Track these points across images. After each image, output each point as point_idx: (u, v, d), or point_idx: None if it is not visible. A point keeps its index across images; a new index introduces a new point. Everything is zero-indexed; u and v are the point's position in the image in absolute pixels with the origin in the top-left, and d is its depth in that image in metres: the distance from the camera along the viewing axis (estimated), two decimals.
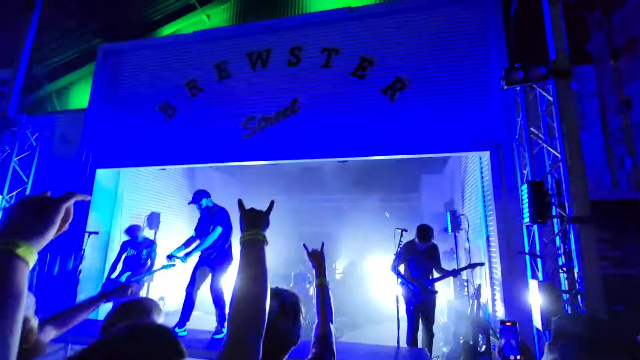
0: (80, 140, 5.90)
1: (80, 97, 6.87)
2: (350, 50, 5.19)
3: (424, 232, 4.05)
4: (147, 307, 1.25)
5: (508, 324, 2.99)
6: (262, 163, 5.38)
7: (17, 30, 5.45)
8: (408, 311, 4.14)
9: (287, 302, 1.14)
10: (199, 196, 4.31)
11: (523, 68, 3.21)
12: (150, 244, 5.13)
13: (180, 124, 5.64)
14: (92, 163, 5.82)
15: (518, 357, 2.84)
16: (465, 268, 4.22)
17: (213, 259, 4.11)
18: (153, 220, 6.22)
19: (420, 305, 4.09)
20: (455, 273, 4.12)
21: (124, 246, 5.09)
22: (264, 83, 5.44)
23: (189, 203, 4.34)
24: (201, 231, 4.22)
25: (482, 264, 4.30)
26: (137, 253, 5.05)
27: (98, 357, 0.62)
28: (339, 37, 5.29)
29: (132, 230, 5.12)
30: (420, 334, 4.16)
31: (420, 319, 4.11)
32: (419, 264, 4.15)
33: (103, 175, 5.90)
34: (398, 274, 4.11)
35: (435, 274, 4.20)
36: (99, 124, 5.96)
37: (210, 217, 4.21)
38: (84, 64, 6.75)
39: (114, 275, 4.90)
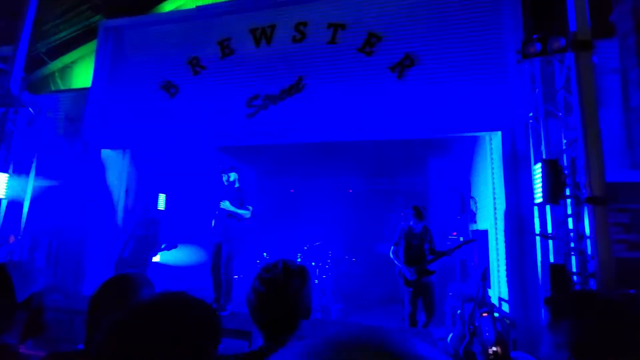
0: (84, 120, 5.85)
1: (83, 75, 6.78)
2: (357, 26, 4.98)
3: (419, 211, 4.22)
4: (138, 282, 1.19)
5: (484, 315, 3.03)
6: (267, 142, 5.30)
7: (18, 6, 5.33)
8: (406, 292, 4.26)
9: (292, 266, 1.14)
10: (232, 169, 4.46)
11: (541, 40, 3.01)
12: (157, 223, 5.25)
13: (183, 104, 5.54)
14: (97, 143, 5.78)
15: (495, 348, 2.81)
16: (458, 247, 4.25)
17: (234, 236, 4.21)
18: (156, 202, 6.26)
19: (417, 287, 4.18)
20: (449, 252, 4.19)
21: (132, 226, 5.20)
22: (268, 60, 5.27)
23: (221, 171, 4.45)
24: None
25: (474, 240, 4.37)
26: (146, 233, 5.17)
27: (136, 325, 0.60)
28: (345, 12, 5.07)
29: (139, 211, 5.26)
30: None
31: (418, 300, 4.23)
32: (416, 246, 4.28)
33: (108, 156, 5.87)
34: (395, 259, 4.31)
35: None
36: (103, 103, 5.89)
37: (240, 195, 4.31)
38: (86, 42, 6.63)
39: (124, 255, 5.05)
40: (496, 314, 3.82)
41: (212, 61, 5.52)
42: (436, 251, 4.27)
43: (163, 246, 5.11)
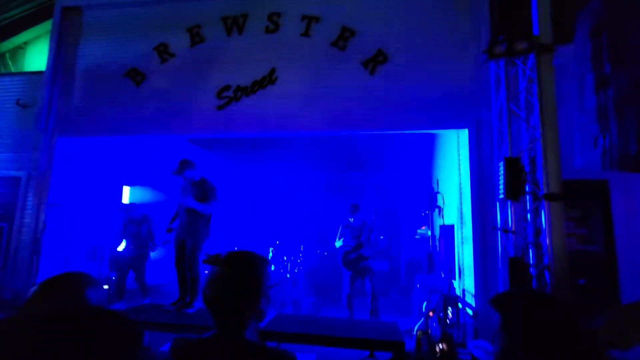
0: (40, 106, 5.43)
1: (37, 58, 6.28)
2: (331, 20, 4.94)
3: (354, 207, 5.27)
4: (81, 282, 1.08)
5: (430, 314, 3.42)
6: (237, 134, 5.18)
7: None
8: (346, 275, 5.23)
9: (241, 253, 1.16)
10: (185, 166, 4.12)
11: (506, 41, 3.13)
12: (149, 220, 5.47)
13: (150, 92, 5.28)
14: (53, 131, 5.39)
15: (441, 345, 3.04)
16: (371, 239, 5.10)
17: (197, 231, 4.04)
18: (120, 194, 6.03)
19: (356, 270, 5.06)
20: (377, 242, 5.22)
21: (124, 222, 5.42)
22: (240, 50, 5.13)
23: (173, 172, 4.15)
24: (184, 200, 4.10)
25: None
26: (138, 229, 5.37)
27: None
28: (320, 5, 5.02)
29: (130, 209, 5.52)
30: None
31: (356, 282, 5.09)
32: (356, 237, 5.18)
33: (66, 145, 5.50)
34: (340, 247, 5.24)
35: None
36: (60, 89, 5.49)
37: (202, 189, 4.09)
38: (40, 21, 6.13)
39: (120, 248, 5.31)
40: (459, 305, 3.98)
41: (181, 49, 5.29)
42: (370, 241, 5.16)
43: (164, 242, 5.18)
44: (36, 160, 5.26)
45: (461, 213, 4.73)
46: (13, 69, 6.44)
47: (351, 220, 5.27)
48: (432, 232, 6.19)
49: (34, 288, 1.02)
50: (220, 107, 5.02)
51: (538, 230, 3.27)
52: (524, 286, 2.96)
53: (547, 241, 3.09)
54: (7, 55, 6.48)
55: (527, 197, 3.35)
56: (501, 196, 3.22)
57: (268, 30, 5.09)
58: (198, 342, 1.08)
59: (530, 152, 3.35)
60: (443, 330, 2.77)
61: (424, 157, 7.50)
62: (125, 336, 0.57)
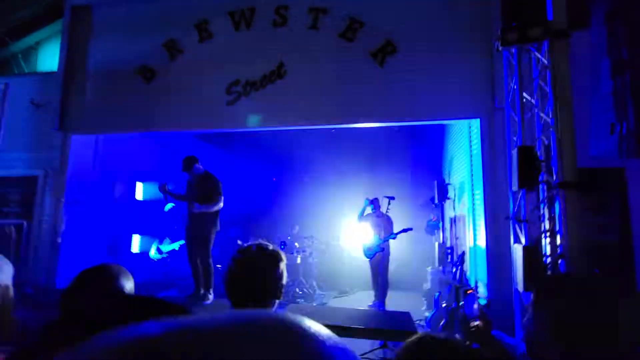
0: (53, 105, 5.53)
1: (50, 58, 6.37)
2: (338, 11, 4.90)
3: (372, 200, 5.51)
4: (114, 272, 1.14)
5: (469, 292, 3.30)
6: (247, 130, 5.21)
7: None
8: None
9: (265, 249, 1.22)
10: (191, 162, 4.25)
11: (520, 28, 3.07)
12: None
13: (160, 88, 5.33)
14: (67, 129, 5.50)
15: (477, 322, 3.00)
16: (399, 232, 5.27)
17: (207, 226, 4.15)
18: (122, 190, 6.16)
19: (373, 261, 5.34)
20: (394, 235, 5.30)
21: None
22: (248, 45, 5.13)
23: (183, 170, 4.30)
24: (194, 197, 4.24)
25: (410, 229, 5.30)
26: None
27: None
28: None
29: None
30: None
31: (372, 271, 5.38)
32: (375, 228, 5.39)
33: (79, 142, 5.61)
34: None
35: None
36: (73, 87, 5.58)
37: (209, 185, 4.20)
38: (51, 22, 6.21)
39: None
40: (472, 295, 3.97)
41: (190, 45, 5.31)
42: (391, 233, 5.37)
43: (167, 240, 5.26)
44: (52, 158, 5.38)
45: (473, 203, 4.69)
46: (26, 70, 6.55)
47: (370, 212, 5.50)
48: (443, 223, 6.17)
49: (73, 279, 1.07)
50: (230, 103, 5.04)
51: (552, 219, 3.23)
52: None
53: (562, 230, 3.05)
54: (20, 56, 6.59)
55: (541, 186, 3.31)
56: (515, 186, 3.19)
57: (276, 24, 5.07)
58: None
59: (544, 140, 3.30)
60: (480, 309, 2.81)
61: (435, 148, 7.44)
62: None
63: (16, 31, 6.22)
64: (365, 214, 5.59)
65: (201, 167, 4.32)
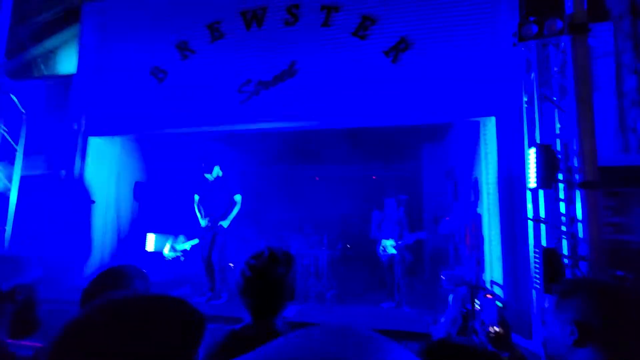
0: (71, 107, 5.67)
1: (68, 61, 6.53)
2: (351, 8, 4.86)
3: (394, 201, 5.37)
4: (131, 273, 1.16)
5: (488, 296, 3.17)
6: (259, 127, 5.24)
7: None
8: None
9: (277, 253, 1.23)
10: (213, 165, 4.58)
11: (537, 22, 2.98)
12: None
13: (172, 89, 5.39)
14: (85, 131, 5.63)
15: (497, 328, 2.93)
16: (412, 239, 5.13)
17: (224, 229, 4.25)
18: (138, 190, 6.27)
19: (388, 260, 5.23)
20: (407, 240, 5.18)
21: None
22: (260, 44, 5.14)
23: (205, 172, 4.47)
24: (213, 199, 4.37)
25: (423, 235, 5.25)
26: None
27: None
28: None
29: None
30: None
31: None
32: (393, 227, 5.26)
33: (97, 144, 5.73)
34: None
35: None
36: (90, 90, 5.70)
37: (227, 187, 4.48)
38: (69, 25, 6.36)
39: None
40: (487, 296, 3.89)
41: (201, 45, 5.36)
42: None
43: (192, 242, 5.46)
44: (71, 160, 5.51)
45: (488, 203, 4.60)
46: (45, 73, 6.73)
47: (389, 212, 5.38)
48: (457, 223, 6.07)
49: (93, 278, 1.09)
50: (241, 102, 5.07)
51: (572, 219, 3.14)
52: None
53: (583, 231, 2.96)
54: (39, 59, 6.77)
55: (561, 185, 3.21)
56: (533, 185, 3.10)
57: (287, 23, 5.06)
58: (232, 334, 1.15)
59: (563, 138, 3.20)
60: (500, 314, 2.75)
61: (449, 147, 7.32)
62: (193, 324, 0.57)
63: (35, 35, 6.40)
64: (379, 217, 5.49)
65: (220, 171, 4.54)
